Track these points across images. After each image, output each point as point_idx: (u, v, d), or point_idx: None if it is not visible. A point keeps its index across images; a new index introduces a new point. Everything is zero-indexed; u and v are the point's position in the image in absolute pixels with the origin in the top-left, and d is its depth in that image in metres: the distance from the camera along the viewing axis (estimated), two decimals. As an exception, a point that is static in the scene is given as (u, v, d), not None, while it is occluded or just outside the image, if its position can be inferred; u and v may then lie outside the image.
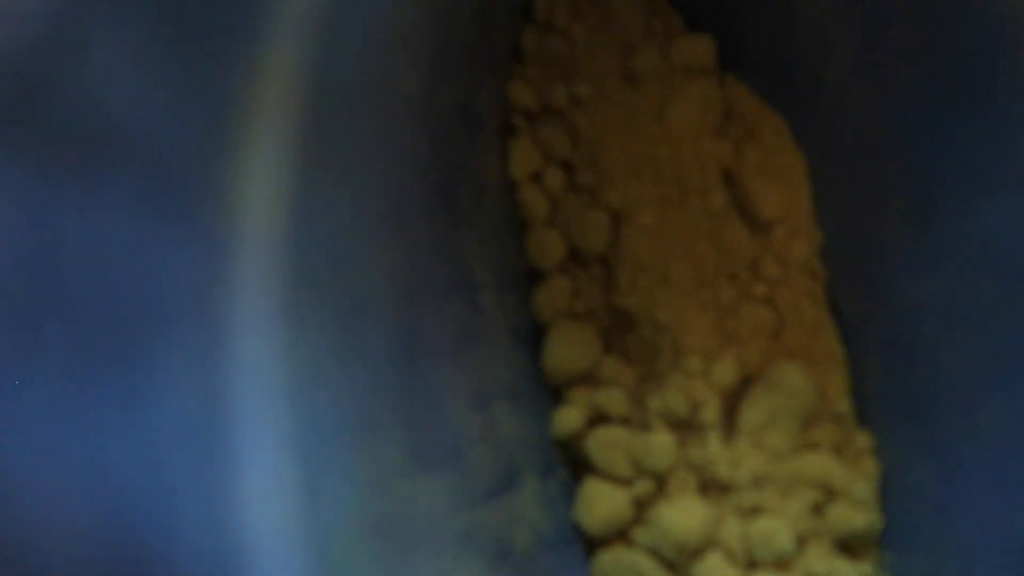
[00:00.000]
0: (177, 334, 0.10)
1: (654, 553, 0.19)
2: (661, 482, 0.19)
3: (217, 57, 0.10)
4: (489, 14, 0.21)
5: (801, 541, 0.18)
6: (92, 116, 0.09)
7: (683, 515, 0.19)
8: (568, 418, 0.20)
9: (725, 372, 0.20)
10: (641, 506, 0.19)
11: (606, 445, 0.20)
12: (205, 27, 0.10)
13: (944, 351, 0.18)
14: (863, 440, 0.19)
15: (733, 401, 0.20)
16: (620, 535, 0.19)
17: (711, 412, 0.19)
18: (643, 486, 0.19)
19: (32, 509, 0.09)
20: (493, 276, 0.21)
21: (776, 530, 0.18)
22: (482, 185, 0.21)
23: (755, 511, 0.19)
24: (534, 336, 0.21)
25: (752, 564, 0.18)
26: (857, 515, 0.18)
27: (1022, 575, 0.16)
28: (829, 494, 0.19)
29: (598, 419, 0.20)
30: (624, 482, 0.20)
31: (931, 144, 0.18)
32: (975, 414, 0.17)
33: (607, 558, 0.19)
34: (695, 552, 0.19)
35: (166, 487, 0.10)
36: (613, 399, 0.20)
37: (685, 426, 0.20)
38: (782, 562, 0.18)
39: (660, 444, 0.19)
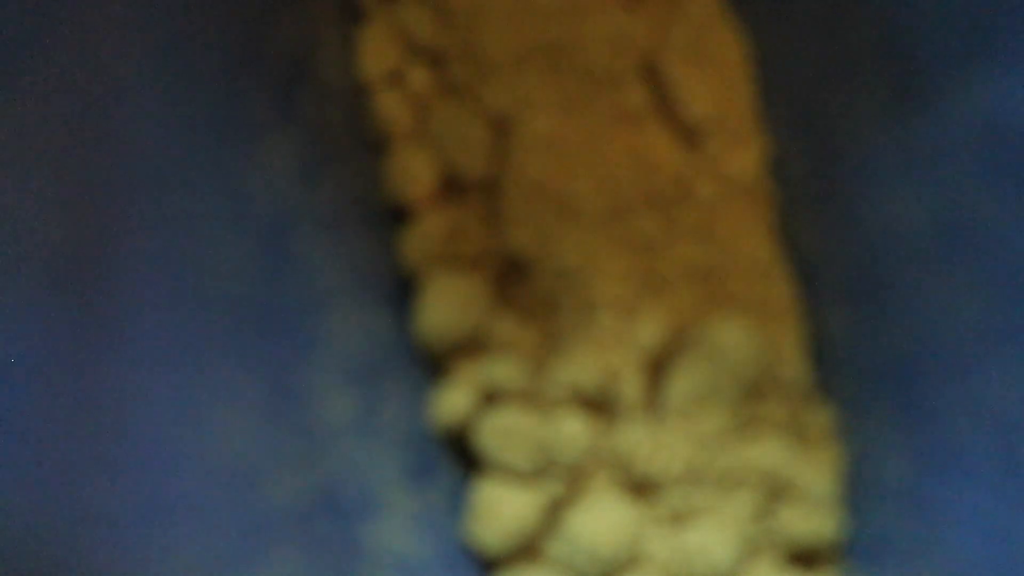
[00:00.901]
0: None
1: (568, 570, 0.17)
2: (573, 480, 0.17)
3: None
4: None
5: (744, 554, 0.17)
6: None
7: (600, 523, 0.17)
8: (452, 399, 0.18)
9: (648, 331, 0.17)
10: (551, 512, 0.17)
11: (503, 433, 0.17)
12: None
13: (934, 294, 0.15)
14: (822, 418, 0.17)
15: (658, 369, 0.17)
16: (525, 551, 0.17)
17: (631, 386, 0.17)
18: (552, 486, 0.17)
19: None
20: (344, 212, 0.18)
21: (715, 538, 0.16)
22: (326, 87, 0.19)
23: (687, 516, 0.17)
24: (402, 291, 0.19)
25: None
26: (813, 518, 0.17)
27: None
28: (778, 491, 0.17)
29: (490, 399, 0.18)
30: (528, 482, 0.17)
31: (907, 7, 0.15)
32: (972, 380, 0.15)
33: None
34: (619, 566, 0.17)
35: None
36: (509, 372, 0.18)
37: (599, 404, 0.17)
38: None
39: (571, 429, 0.17)
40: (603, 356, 0.17)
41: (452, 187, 0.19)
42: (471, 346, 0.18)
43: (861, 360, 0.17)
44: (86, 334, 0.13)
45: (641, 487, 0.17)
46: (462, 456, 0.18)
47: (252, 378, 0.16)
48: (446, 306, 0.18)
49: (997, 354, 0.14)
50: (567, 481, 0.17)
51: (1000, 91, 0.14)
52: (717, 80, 0.18)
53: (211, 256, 0.15)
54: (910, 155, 0.16)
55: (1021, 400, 0.14)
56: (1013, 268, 0.14)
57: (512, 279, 0.18)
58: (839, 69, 0.17)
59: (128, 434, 0.13)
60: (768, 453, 0.16)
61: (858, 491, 0.16)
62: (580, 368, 0.17)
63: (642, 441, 0.17)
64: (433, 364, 0.18)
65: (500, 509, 0.17)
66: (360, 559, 0.15)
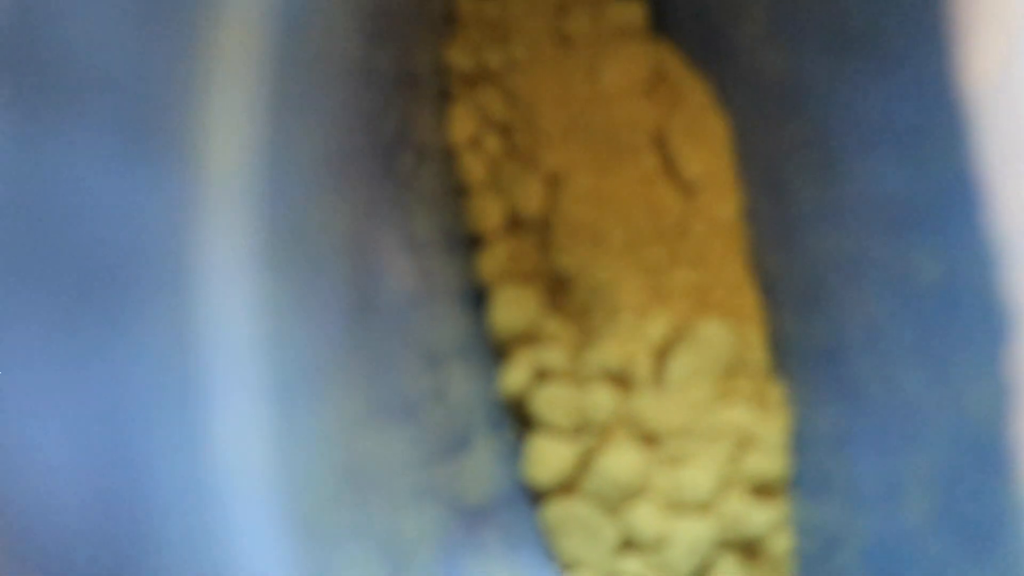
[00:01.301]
0: (152, 279, 0.10)
1: (595, 500, 0.21)
2: (601, 435, 0.21)
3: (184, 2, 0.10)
4: None
5: (721, 487, 0.20)
6: (64, 59, 0.09)
7: (620, 464, 0.20)
8: (514, 376, 0.22)
9: (656, 328, 0.21)
10: (584, 458, 0.21)
11: (550, 401, 0.21)
12: None
13: (849, 300, 0.20)
14: (777, 391, 0.21)
15: (663, 355, 0.21)
16: (565, 487, 0.21)
17: (643, 367, 0.21)
18: (586, 440, 0.21)
19: (20, 453, 0.09)
20: (437, 239, 0.22)
21: (699, 475, 0.20)
22: (422, 149, 0.22)
23: (681, 460, 0.21)
24: (478, 298, 0.22)
25: (678, 507, 0.21)
26: (769, 462, 0.20)
27: (923, 513, 0.17)
28: (745, 443, 0.21)
29: (541, 376, 0.22)
30: (568, 437, 0.21)
31: (833, 106, 0.19)
32: (878, 356, 0.19)
33: (554, 508, 0.21)
34: (631, 497, 0.21)
35: (142, 429, 0.10)
36: (554, 356, 0.22)
37: (620, 381, 0.21)
38: (704, 507, 0.20)
39: (599, 398, 0.21)
40: (624, 346, 0.21)
41: (515, 223, 0.22)
42: (527, 338, 0.22)
43: (804, 347, 0.21)
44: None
45: (649, 439, 0.21)
46: (521, 417, 0.22)
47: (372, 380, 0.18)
48: (510, 309, 0.22)
49: (893, 339, 0.18)
50: (597, 435, 0.21)
51: (886, 171, 0.17)
52: (707, 150, 0.22)
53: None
54: (830, 210, 0.20)
55: (911, 370, 0.18)
56: (896, 284, 0.18)
57: (558, 291, 0.22)
58: (786, 145, 0.21)
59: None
60: (739, 415, 0.21)
61: (801, 443, 0.20)
62: (607, 354, 0.21)
63: (650, 406, 0.21)
64: (500, 350, 0.22)
65: (548, 456, 0.21)
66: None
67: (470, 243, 0.23)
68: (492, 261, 0.22)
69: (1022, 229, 0.13)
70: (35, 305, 0.09)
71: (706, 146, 0.22)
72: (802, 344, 0.21)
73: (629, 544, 0.21)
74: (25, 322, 0.09)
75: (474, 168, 0.23)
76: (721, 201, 0.22)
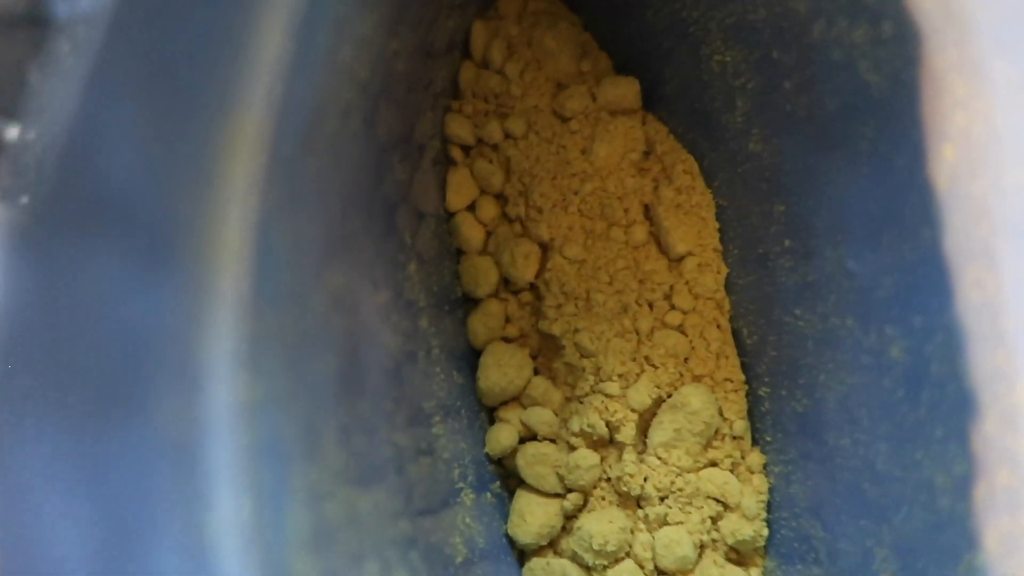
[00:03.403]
0: (163, 372, 0.11)
1: (577, 560, 0.21)
2: (586, 496, 0.22)
3: (194, 127, 0.12)
4: (430, 50, 0.22)
5: (699, 550, 0.21)
6: (101, 202, 0.11)
7: (605, 525, 0.21)
8: (501, 436, 0.22)
9: (641, 395, 0.22)
10: (568, 518, 0.22)
11: (536, 462, 0.22)
12: (184, 105, 0.12)
13: (824, 374, 0.20)
14: (756, 459, 0.22)
15: (646, 421, 0.22)
16: (549, 544, 0.22)
17: (628, 432, 0.21)
18: (572, 500, 0.21)
19: (45, 533, 0.11)
20: (431, 301, 0.22)
21: (680, 539, 0.21)
22: (420, 212, 0.22)
23: (662, 522, 0.21)
24: (469, 358, 0.23)
25: (657, 570, 0.21)
26: (746, 526, 0.21)
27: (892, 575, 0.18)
28: (723, 508, 0.21)
29: (529, 437, 0.22)
30: (554, 496, 0.22)
31: (809, 193, 0.20)
32: (851, 427, 0.19)
33: (536, 565, 0.21)
34: (613, 558, 0.21)
35: (154, 497, 0.11)
36: (542, 419, 0.22)
37: (605, 444, 0.22)
38: (683, 568, 0.21)
39: (585, 461, 0.21)
40: (609, 411, 0.22)
41: (507, 287, 0.23)
42: (515, 399, 0.22)
43: (780, 418, 0.21)
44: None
45: (631, 501, 0.21)
46: (507, 475, 0.22)
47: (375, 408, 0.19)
48: (500, 371, 0.22)
49: (859, 415, 0.19)
50: (581, 496, 0.21)
51: (852, 258, 0.18)
52: (694, 223, 0.22)
53: None
54: (804, 290, 0.20)
55: (874, 447, 0.19)
56: (862, 363, 0.18)
57: (547, 354, 0.23)
58: (766, 225, 0.21)
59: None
60: (717, 481, 0.21)
61: (775, 508, 0.21)
62: (592, 418, 0.21)
63: (633, 470, 0.21)
64: (489, 410, 0.23)
65: (532, 515, 0.22)
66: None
67: (463, 305, 0.23)
68: (484, 323, 0.23)
69: (981, 315, 0.14)
70: (66, 410, 0.10)
71: (692, 220, 0.23)
72: (780, 413, 0.21)
73: (610, 605, 0.21)
74: (55, 427, 0.10)
75: (470, 233, 0.23)
76: (706, 273, 0.23)
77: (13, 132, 0.15)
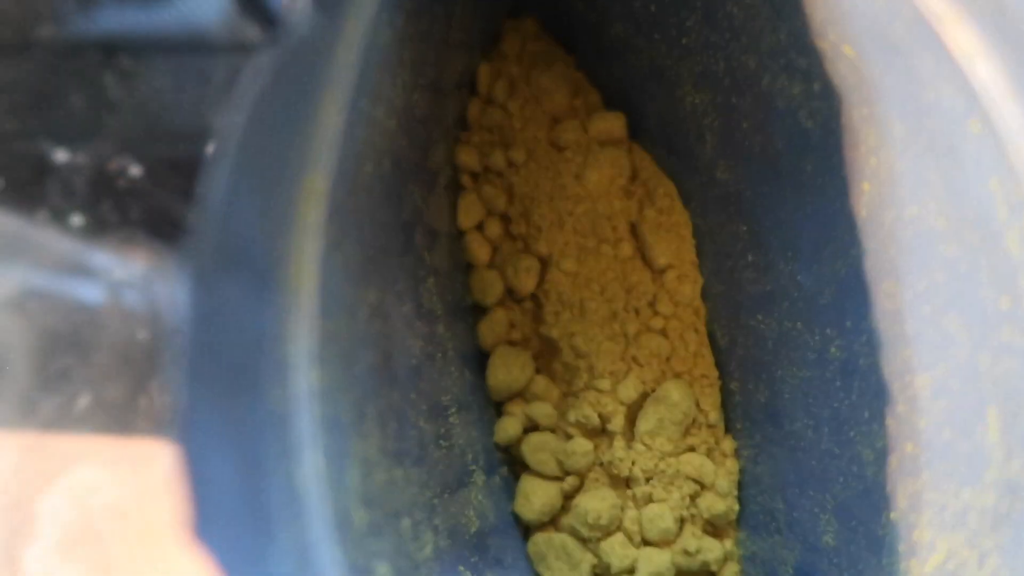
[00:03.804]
0: (267, 364, 0.15)
1: (574, 533, 0.23)
2: (581, 478, 0.24)
3: (283, 188, 0.15)
4: (441, 88, 0.24)
5: (680, 524, 0.23)
6: (228, 243, 0.14)
7: (598, 503, 0.23)
8: (508, 427, 0.25)
9: (628, 390, 0.24)
10: (567, 497, 0.24)
11: (538, 449, 0.24)
12: (277, 172, 0.15)
13: (781, 370, 0.22)
14: (728, 444, 0.24)
15: (634, 412, 0.24)
16: (550, 521, 0.24)
17: (617, 423, 0.24)
18: (570, 482, 0.24)
19: (202, 461, 0.14)
20: (446, 309, 0.24)
21: (663, 514, 0.23)
22: (435, 231, 0.24)
23: (647, 500, 0.23)
24: (479, 359, 0.25)
25: (644, 541, 0.23)
26: (720, 503, 0.23)
27: (833, 535, 0.20)
28: (701, 487, 0.23)
29: (531, 428, 0.25)
30: (554, 479, 0.24)
31: (765, 216, 0.22)
32: (805, 416, 0.22)
33: (540, 539, 0.24)
34: (605, 531, 0.23)
35: (266, 450, 0.15)
36: (543, 412, 0.24)
37: (598, 433, 0.24)
38: (666, 540, 0.23)
39: (581, 448, 0.24)
40: (601, 404, 0.24)
41: (512, 296, 0.25)
42: (520, 395, 0.25)
43: (749, 408, 0.23)
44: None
45: (621, 482, 0.24)
46: (513, 461, 0.25)
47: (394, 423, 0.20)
48: (506, 370, 0.25)
49: (810, 407, 0.21)
50: (577, 478, 0.24)
51: (802, 272, 0.20)
52: (673, 240, 0.25)
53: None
54: (765, 298, 0.23)
55: (826, 428, 0.21)
56: (810, 361, 0.20)
57: (547, 355, 0.25)
58: (733, 242, 0.24)
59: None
60: (695, 464, 0.23)
61: (745, 487, 0.23)
62: (587, 410, 0.24)
63: (622, 455, 0.23)
64: (497, 404, 0.25)
65: (535, 495, 0.24)
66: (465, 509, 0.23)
67: (473, 312, 0.26)
68: (491, 329, 0.25)
69: (893, 320, 0.16)
70: (215, 389, 0.14)
71: (672, 237, 0.25)
72: (748, 404, 0.23)
73: (603, 571, 0.24)
74: (207, 401, 0.14)
75: (478, 250, 0.25)
76: (684, 283, 0.25)
77: (63, 155, 0.17)
